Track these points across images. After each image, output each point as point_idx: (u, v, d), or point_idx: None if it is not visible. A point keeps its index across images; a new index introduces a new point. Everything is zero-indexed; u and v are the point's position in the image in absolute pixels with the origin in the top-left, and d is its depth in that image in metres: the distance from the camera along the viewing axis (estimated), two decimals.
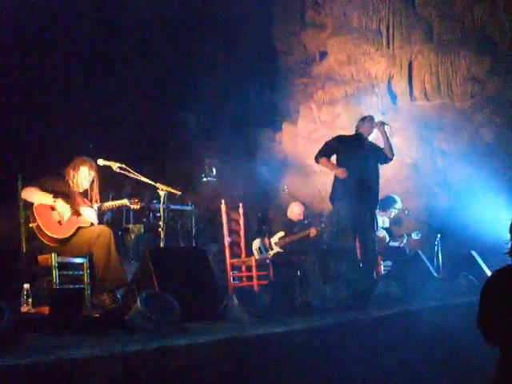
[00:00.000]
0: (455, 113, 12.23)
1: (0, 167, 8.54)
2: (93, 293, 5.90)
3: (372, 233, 7.57)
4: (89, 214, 6.23)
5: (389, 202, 9.43)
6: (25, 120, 10.18)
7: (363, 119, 7.90)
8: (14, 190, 5.98)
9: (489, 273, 7.65)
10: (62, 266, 5.88)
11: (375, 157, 7.74)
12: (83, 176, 6.36)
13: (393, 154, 7.81)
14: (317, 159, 7.74)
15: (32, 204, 5.91)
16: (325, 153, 7.68)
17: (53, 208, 5.98)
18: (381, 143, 7.89)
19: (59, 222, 5.96)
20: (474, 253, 8.46)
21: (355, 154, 7.56)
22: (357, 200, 7.33)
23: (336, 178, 7.59)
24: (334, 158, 7.84)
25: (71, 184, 6.33)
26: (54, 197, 5.99)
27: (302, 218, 9.39)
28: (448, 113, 12.29)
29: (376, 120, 7.87)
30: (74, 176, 6.34)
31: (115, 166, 6.33)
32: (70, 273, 6.06)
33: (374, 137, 7.88)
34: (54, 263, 5.75)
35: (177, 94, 12.92)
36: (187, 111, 12.89)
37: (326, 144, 7.79)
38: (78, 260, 6.00)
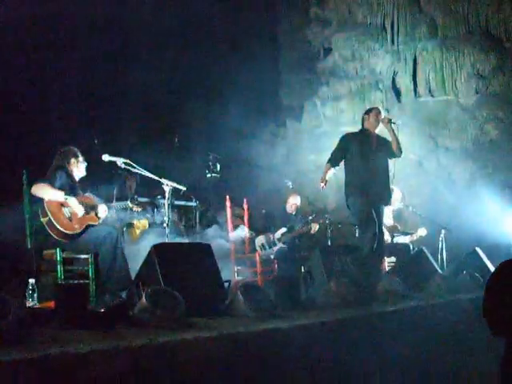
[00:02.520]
0: (460, 109, 12.22)
1: (5, 163, 8.56)
2: (97, 292, 5.89)
3: (382, 227, 7.52)
4: (104, 211, 6.24)
5: None
6: (28, 115, 10.19)
7: (368, 112, 7.69)
8: (19, 185, 5.98)
9: (493, 269, 7.65)
10: (66, 262, 5.89)
11: (384, 151, 7.60)
12: (82, 162, 6.37)
13: (401, 152, 7.63)
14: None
15: (41, 199, 5.89)
16: (334, 159, 7.43)
17: (63, 204, 5.97)
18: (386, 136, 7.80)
19: (69, 219, 5.96)
20: (478, 249, 8.45)
21: (363, 151, 7.40)
22: (368, 196, 7.23)
23: (347, 174, 7.44)
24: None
25: (73, 173, 6.32)
26: (66, 193, 5.98)
27: (293, 208, 9.41)
28: (452, 109, 12.29)
29: (383, 114, 7.74)
30: (76, 163, 6.32)
31: (120, 161, 6.33)
32: (75, 268, 6.06)
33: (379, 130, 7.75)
34: (58, 258, 5.76)
35: (181, 91, 12.93)
36: (191, 107, 12.90)
37: (336, 148, 7.52)
38: (83, 256, 6.00)
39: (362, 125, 7.65)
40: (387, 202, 7.57)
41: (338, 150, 7.49)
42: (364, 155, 7.34)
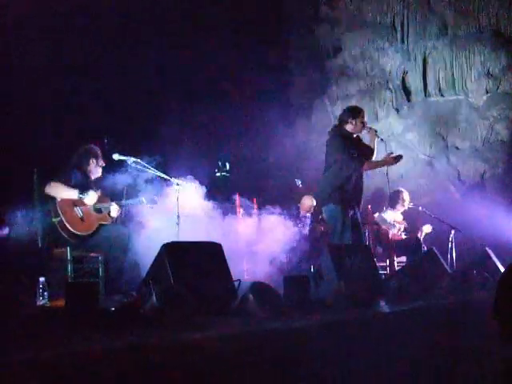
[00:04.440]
0: (470, 108, 12.19)
1: (16, 162, 8.58)
2: (107, 291, 5.90)
3: (359, 225, 7.47)
4: (117, 210, 6.25)
5: (395, 196, 9.47)
6: (39, 114, 10.21)
7: (355, 116, 7.28)
8: (31, 183, 6.00)
9: (503, 269, 7.63)
10: (77, 260, 5.91)
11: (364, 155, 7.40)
12: (101, 164, 6.39)
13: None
14: (362, 167, 7.26)
15: (53, 198, 5.91)
16: (359, 156, 7.21)
17: (75, 204, 5.97)
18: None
19: (81, 219, 5.97)
20: (487, 249, 8.43)
21: (359, 158, 7.22)
22: (352, 201, 7.17)
23: (335, 178, 7.24)
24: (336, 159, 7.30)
25: (89, 173, 6.33)
26: (80, 192, 5.99)
27: (311, 211, 9.42)
28: (462, 109, 12.25)
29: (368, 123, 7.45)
30: (95, 163, 6.34)
31: (130, 160, 6.34)
32: (85, 266, 6.09)
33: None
34: (68, 257, 5.79)
35: (190, 90, 12.93)
36: (200, 107, 12.89)
37: (352, 148, 7.19)
38: (93, 254, 6.03)
39: (344, 127, 7.32)
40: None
41: (354, 150, 7.20)
42: (359, 162, 7.19)
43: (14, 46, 9.80)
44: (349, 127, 7.28)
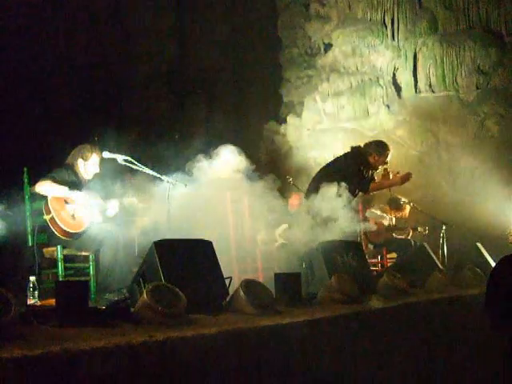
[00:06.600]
0: (460, 105, 12.22)
1: (6, 160, 8.56)
2: (98, 289, 5.88)
3: None
4: (113, 208, 6.22)
5: (396, 203, 9.47)
6: (29, 113, 10.19)
7: (381, 151, 7.25)
8: (20, 182, 5.97)
9: (494, 264, 7.64)
10: (67, 259, 5.89)
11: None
12: (94, 163, 6.33)
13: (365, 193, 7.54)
14: (368, 192, 7.35)
15: (45, 196, 5.88)
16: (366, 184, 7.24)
17: (66, 201, 5.95)
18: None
19: (73, 216, 5.94)
20: (478, 244, 8.44)
21: (355, 189, 7.22)
22: None
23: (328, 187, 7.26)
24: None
25: (80, 173, 6.28)
26: (70, 189, 5.96)
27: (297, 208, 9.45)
28: (453, 105, 12.29)
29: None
30: (84, 164, 6.29)
31: (120, 158, 6.30)
32: (76, 265, 6.06)
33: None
34: (59, 256, 5.76)
35: (182, 89, 12.93)
36: (192, 105, 12.89)
37: (361, 177, 7.20)
38: (84, 253, 6.00)
39: (367, 156, 7.29)
40: None
41: (364, 179, 7.22)
42: (354, 191, 7.19)
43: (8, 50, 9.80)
44: (370, 159, 7.25)
